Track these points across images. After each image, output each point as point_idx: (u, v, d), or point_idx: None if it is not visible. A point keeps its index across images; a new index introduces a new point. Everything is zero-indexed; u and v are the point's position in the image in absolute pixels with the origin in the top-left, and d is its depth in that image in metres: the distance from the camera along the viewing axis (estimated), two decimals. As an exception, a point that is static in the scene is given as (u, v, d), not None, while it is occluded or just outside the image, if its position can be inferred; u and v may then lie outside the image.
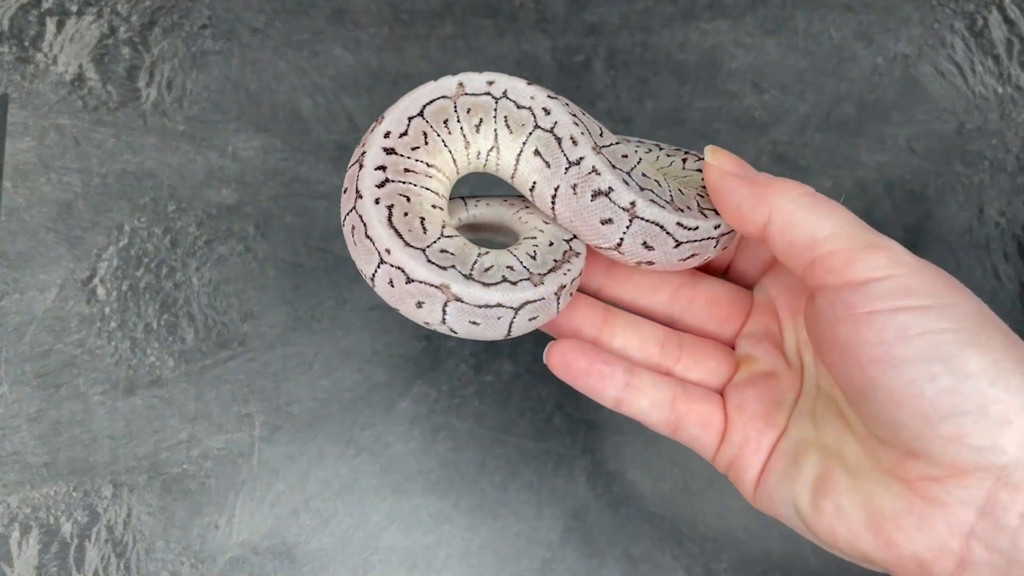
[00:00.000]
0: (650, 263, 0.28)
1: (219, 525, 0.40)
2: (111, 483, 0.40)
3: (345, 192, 0.27)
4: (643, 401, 0.30)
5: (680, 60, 0.44)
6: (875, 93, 0.44)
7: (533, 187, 0.28)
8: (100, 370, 0.41)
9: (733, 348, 0.33)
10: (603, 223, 0.27)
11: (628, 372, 0.30)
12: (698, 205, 0.28)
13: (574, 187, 0.27)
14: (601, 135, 0.28)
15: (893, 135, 0.43)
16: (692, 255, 0.28)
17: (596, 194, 0.27)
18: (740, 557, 0.39)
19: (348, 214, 0.27)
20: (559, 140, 0.27)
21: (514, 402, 0.41)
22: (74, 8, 0.44)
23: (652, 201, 0.27)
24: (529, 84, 0.28)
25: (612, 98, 0.44)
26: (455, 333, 0.26)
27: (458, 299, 0.25)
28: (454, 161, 0.28)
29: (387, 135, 0.27)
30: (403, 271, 0.25)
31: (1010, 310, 0.41)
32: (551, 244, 0.28)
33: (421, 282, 0.25)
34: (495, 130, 0.28)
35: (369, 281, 0.27)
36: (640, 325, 0.31)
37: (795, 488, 0.27)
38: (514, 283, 0.26)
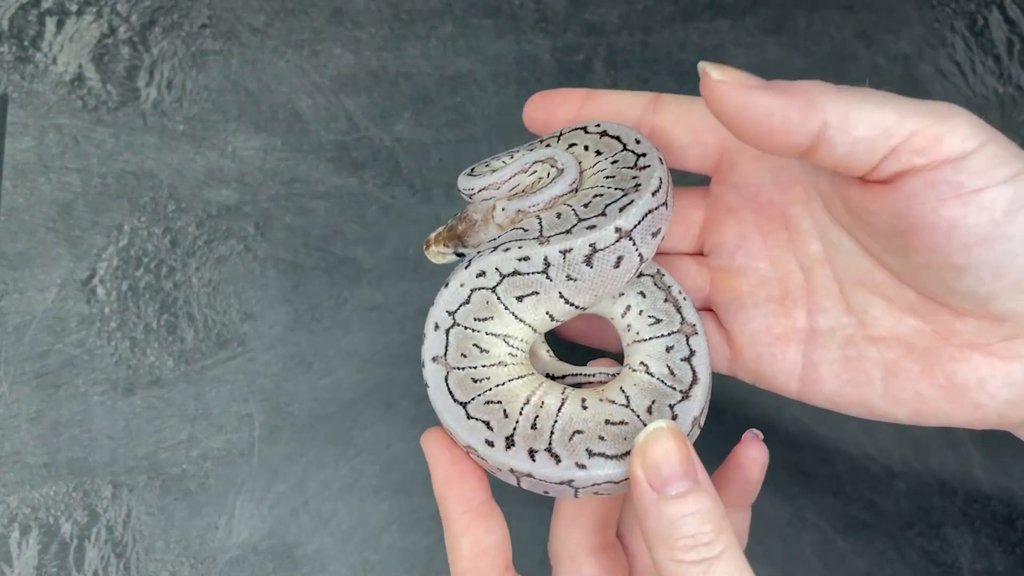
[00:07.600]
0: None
1: (219, 525, 0.40)
2: (111, 483, 0.40)
3: None
4: None
5: (680, 60, 0.44)
6: (875, 93, 0.44)
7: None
8: (100, 370, 0.41)
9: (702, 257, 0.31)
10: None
11: None
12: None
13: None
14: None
15: (893, 135, 0.43)
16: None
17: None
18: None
19: None
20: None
21: (514, 402, 0.41)
22: (74, 8, 0.44)
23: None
24: None
25: (612, 98, 0.44)
26: None
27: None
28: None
29: None
30: None
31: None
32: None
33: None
34: None
35: None
36: None
37: (862, 392, 0.27)
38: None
